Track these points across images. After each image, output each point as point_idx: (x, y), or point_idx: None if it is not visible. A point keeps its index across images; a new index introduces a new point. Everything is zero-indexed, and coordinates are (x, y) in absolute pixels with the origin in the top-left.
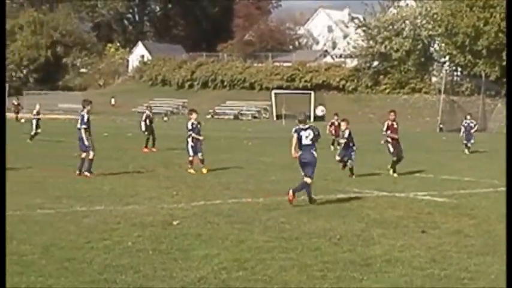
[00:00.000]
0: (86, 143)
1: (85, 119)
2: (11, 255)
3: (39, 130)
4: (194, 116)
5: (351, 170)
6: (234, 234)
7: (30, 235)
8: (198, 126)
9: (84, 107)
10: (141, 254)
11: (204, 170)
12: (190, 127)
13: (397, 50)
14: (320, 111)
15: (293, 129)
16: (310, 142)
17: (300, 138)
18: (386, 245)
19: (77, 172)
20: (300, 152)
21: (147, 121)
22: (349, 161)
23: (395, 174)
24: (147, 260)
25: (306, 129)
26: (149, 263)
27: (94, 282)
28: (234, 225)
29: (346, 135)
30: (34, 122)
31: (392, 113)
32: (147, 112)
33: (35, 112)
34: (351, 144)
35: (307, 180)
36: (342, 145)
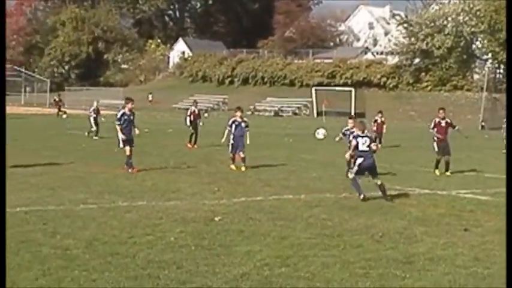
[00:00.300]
0: (119, 138)
1: (119, 116)
2: (55, 249)
3: (93, 128)
4: (238, 113)
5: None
6: (276, 231)
7: (74, 230)
8: (242, 124)
9: (125, 105)
10: (184, 250)
11: (243, 168)
12: (230, 123)
13: (439, 47)
14: (322, 134)
15: (352, 136)
16: (367, 148)
17: (357, 144)
18: (428, 243)
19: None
20: (361, 158)
21: (192, 116)
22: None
23: (437, 172)
24: (190, 255)
25: (363, 137)
26: (192, 258)
27: (137, 278)
28: (275, 221)
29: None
30: (92, 119)
31: (441, 111)
32: (193, 107)
33: (91, 110)
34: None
35: (379, 181)
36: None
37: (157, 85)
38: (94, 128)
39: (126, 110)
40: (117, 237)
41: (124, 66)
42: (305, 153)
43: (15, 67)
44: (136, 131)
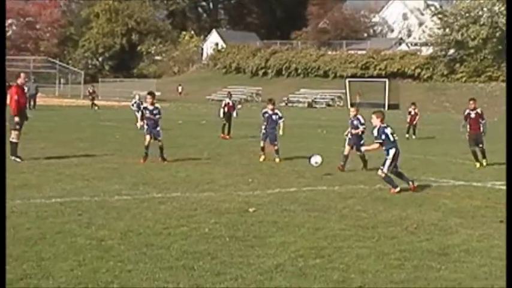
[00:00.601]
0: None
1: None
2: (90, 239)
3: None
4: (270, 106)
5: (363, 158)
6: (310, 222)
7: (109, 221)
8: (272, 116)
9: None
10: (218, 241)
11: (277, 160)
12: (261, 114)
13: (473, 38)
14: (315, 162)
15: (376, 129)
16: (396, 138)
17: (387, 136)
18: (464, 235)
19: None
20: (393, 149)
21: (226, 108)
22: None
23: (477, 164)
24: (224, 246)
25: (387, 127)
26: (226, 249)
27: (172, 269)
28: (309, 213)
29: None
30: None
31: (471, 102)
32: (227, 99)
33: (133, 102)
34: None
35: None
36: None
37: (190, 77)
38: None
39: (268, 109)
40: (152, 229)
41: (157, 57)
42: (338, 145)
43: (50, 59)
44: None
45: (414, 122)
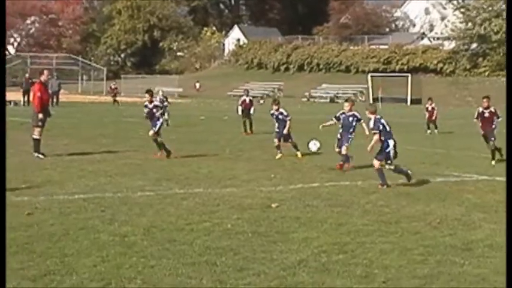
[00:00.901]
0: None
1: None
2: (113, 235)
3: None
4: (274, 107)
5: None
6: (333, 218)
7: (132, 217)
8: (279, 116)
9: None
10: (241, 237)
11: (299, 154)
12: (271, 115)
13: (496, 32)
14: (313, 145)
15: (373, 120)
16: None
17: (384, 127)
18: (487, 230)
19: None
20: (391, 140)
21: (243, 105)
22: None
23: (493, 162)
24: (247, 242)
25: (381, 118)
26: (249, 245)
27: (195, 264)
28: (332, 208)
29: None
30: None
31: (484, 100)
32: (244, 96)
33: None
34: (351, 130)
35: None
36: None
37: (212, 73)
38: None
39: (273, 110)
40: (175, 224)
41: (179, 54)
42: (361, 140)
43: (72, 56)
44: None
45: (433, 117)
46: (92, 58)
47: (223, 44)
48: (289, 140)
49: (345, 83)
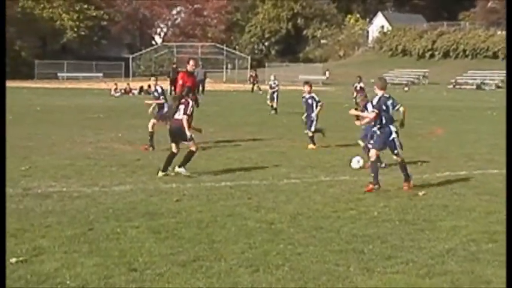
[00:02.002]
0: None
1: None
2: (260, 223)
3: (271, 103)
4: (306, 88)
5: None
6: (482, 206)
7: (278, 204)
8: (309, 101)
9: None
10: (388, 224)
11: (311, 146)
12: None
13: None
14: (356, 162)
15: (377, 97)
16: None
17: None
18: None
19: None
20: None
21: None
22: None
23: None
24: (394, 230)
25: (389, 98)
26: (396, 233)
27: (342, 252)
28: (480, 196)
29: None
30: (269, 94)
31: None
32: (356, 83)
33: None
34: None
35: None
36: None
37: (356, 60)
38: (271, 103)
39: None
40: (321, 212)
41: (323, 41)
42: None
43: (217, 45)
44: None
45: None
46: (237, 47)
47: (367, 31)
48: (309, 129)
49: (492, 69)
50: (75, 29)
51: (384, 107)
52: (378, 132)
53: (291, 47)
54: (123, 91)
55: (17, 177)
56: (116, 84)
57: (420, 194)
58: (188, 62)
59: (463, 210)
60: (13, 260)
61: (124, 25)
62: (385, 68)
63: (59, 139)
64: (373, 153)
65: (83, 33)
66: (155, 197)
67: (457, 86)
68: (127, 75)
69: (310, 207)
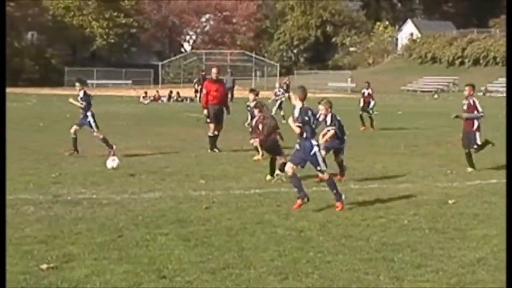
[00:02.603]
0: None
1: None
2: (289, 230)
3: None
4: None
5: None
6: None
7: (307, 212)
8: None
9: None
10: (418, 233)
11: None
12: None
13: None
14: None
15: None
16: None
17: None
18: None
19: None
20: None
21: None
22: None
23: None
24: (424, 238)
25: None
26: (426, 242)
27: (371, 260)
28: None
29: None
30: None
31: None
32: (364, 89)
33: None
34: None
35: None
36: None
37: (385, 67)
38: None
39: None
40: (350, 220)
41: (352, 49)
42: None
43: (246, 52)
44: None
45: None
46: (265, 54)
47: (396, 39)
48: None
49: None
50: (105, 37)
51: (306, 118)
52: (297, 146)
53: (319, 54)
54: (152, 98)
55: (47, 184)
56: (145, 92)
57: (450, 202)
58: (211, 70)
59: (493, 219)
60: (44, 266)
61: (153, 32)
62: (414, 76)
63: (89, 146)
64: (288, 167)
65: (112, 40)
66: (184, 204)
67: (488, 94)
68: (156, 83)
69: (339, 215)
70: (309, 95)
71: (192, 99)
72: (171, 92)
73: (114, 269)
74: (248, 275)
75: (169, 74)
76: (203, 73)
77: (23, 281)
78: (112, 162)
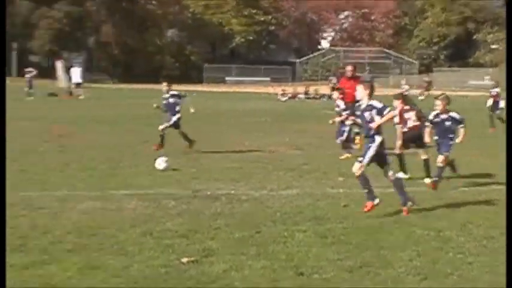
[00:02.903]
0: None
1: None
2: (428, 230)
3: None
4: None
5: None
6: None
7: (446, 212)
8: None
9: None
10: None
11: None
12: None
13: None
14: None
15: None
16: None
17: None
18: None
19: None
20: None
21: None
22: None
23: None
24: None
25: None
26: None
27: None
28: None
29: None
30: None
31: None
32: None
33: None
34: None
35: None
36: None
37: None
38: None
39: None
40: (491, 221)
41: (494, 46)
42: None
43: (384, 49)
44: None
45: None
46: (404, 52)
47: None
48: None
49: None
50: (244, 34)
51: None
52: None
53: (460, 51)
54: (290, 95)
55: (187, 179)
56: (283, 89)
57: None
58: (346, 68)
59: None
60: (184, 260)
61: (292, 29)
62: None
63: (228, 142)
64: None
65: (251, 37)
66: (322, 201)
67: None
68: (294, 80)
69: (480, 215)
70: (449, 93)
71: (329, 96)
72: (307, 89)
73: (252, 265)
74: (386, 274)
75: (307, 71)
76: (342, 71)
77: (165, 274)
78: (162, 162)
